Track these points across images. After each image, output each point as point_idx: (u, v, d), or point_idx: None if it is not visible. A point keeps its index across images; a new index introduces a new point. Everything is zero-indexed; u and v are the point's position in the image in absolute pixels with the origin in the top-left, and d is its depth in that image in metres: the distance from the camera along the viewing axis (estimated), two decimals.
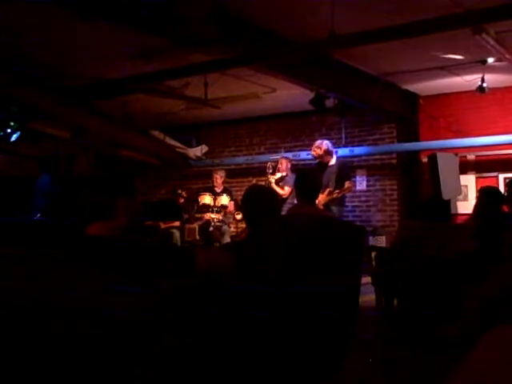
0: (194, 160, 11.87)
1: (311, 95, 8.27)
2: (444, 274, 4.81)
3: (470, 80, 8.60)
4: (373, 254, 6.03)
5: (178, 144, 11.65)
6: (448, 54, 7.79)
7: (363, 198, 10.57)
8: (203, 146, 11.87)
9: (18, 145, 9.12)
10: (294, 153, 10.59)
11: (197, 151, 11.81)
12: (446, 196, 8.74)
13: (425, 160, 9.66)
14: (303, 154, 10.30)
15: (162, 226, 10.13)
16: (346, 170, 8.60)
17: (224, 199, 10.08)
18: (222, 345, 2.45)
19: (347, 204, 9.23)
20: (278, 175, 9.22)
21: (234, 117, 11.46)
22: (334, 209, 8.00)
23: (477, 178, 9.64)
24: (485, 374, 1.37)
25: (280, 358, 2.70)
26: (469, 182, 9.61)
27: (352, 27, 6.15)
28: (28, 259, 1.75)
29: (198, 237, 10.45)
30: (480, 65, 8.08)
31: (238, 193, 10.19)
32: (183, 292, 2.38)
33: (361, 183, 10.58)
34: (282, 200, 8.33)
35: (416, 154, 10.15)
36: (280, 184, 9.13)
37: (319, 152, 8.35)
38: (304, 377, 2.80)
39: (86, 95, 8.95)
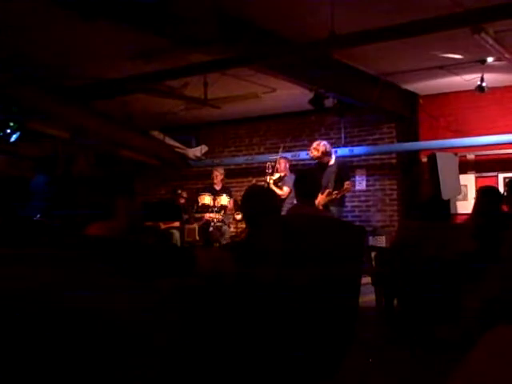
0: (193, 160, 11.87)
1: (311, 95, 8.27)
2: (444, 274, 4.81)
3: (469, 79, 8.61)
4: (373, 254, 6.04)
5: (177, 144, 11.65)
6: (447, 53, 7.79)
7: (363, 198, 10.58)
8: (203, 146, 11.87)
9: (17, 145, 9.12)
10: (294, 153, 10.58)
11: (196, 151, 11.82)
12: (445, 196, 8.75)
13: (424, 160, 9.66)
14: (303, 154, 10.30)
15: (162, 226, 10.13)
16: (346, 169, 8.60)
17: (224, 199, 10.08)
18: (222, 345, 2.45)
19: (347, 204, 9.23)
20: (277, 175, 9.20)
21: (234, 117, 11.46)
22: (333, 209, 8.00)
23: (476, 177, 9.64)
24: (485, 373, 1.37)
25: (280, 358, 2.70)
26: (468, 181, 9.62)
27: (352, 27, 6.16)
28: (27, 259, 1.75)
29: (197, 237, 10.45)
30: (479, 64, 8.08)
31: (238, 193, 10.19)
32: (183, 292, 2.38)
33: (360, 183, 10.58)
34: (280, 200, 8.32)
35: (416, 153, 10.16)
36: (279, 184, 9.11)
37: (317, 154, 8.33)
38: (304, 377, 2.80)
39: (85, 95, 8.95)
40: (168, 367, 1.66)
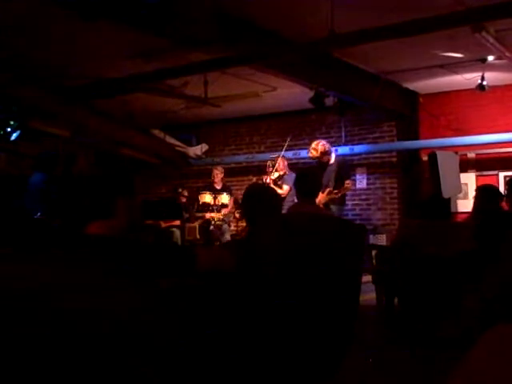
0: (194, 159, 11.88)
1: (311, 94, 8.27)
2: (444, 273, 4.81)
3: (469, 78, 8.61)
4: (373, 253, 6.03)
5: (177, 143, 11.67)
6: (448, 52, 7.79)
7: (363, 197, 10.58)
8: (203, 144, 11.87)
9: (18, 144, 9.14)
10: (294, 151, 10.58)
11: (197, 150, 11.82)
12: (446, 194, 8.74)
13: (425, 158, 9.65)
14: (303, 153, 10.29)
15: (163, 225, 10.14)
16: (346, 168, 8.59)
17: (224, 198, 10.08)
18: (222, 344, 2.45)
19: (347, 202, 9.23)
20: (276, 174, 9.18)
21: (235, 115, 11.46)
22: (334, 208, 7.99)
23: (477, 176, 9.64)
24: (485, 372, 1.37)
25: (280, 358, 2.70)
26: (469, 180, 9.61)
27: (352, 26, 6.15)
28: (27, 259, 1.75)
29: (198, 236, 10.45)
30: (480, 63, 8.08)
31: (239, 191, 10.20)
32: (184, 291, 2.39)
33: (361, 181, 10.58)
34: (281, 199, 8.30)
35: (416, 152, 10.15)
36: (278, 183, 9.10)
37: (316, 154, 8.31)
38: (304, 377, 2.80)
39: (86, 95, 8.95)
40: (168, 367, 1.66)
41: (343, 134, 10.71)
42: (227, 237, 9.96)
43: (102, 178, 2.80)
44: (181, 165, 12.06)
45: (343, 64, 8.24)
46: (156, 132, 11.36)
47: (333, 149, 8.77)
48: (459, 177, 9.31)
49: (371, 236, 9.42)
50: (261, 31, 6.87)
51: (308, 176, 5.34)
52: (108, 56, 7.69)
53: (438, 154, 9.00)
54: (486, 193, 5.51)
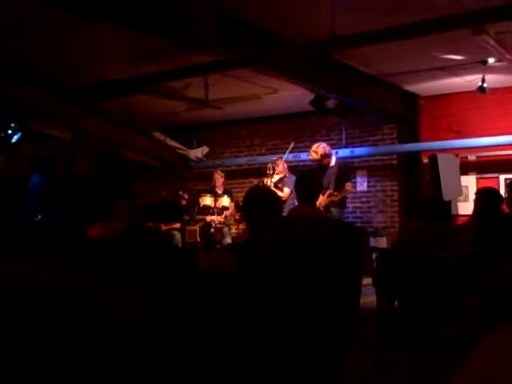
0: (194, 161, 11.87)
1: (312, 96, 8.27)
2: (444, 275, 4.81)
3: (470, 80, 8.61)
4: (374, 256, 6.03)
5: (178, 145, 11.66)
6: (448, 54, 7.79)
7: (364, 199, 10.58)
8: (204, 147, 11.87)
9: (19, 146, 9.13)
10: (295, 154, 10.57)
11: (197, 152, 11.82)
12: (446, 197, 8.74)
13: (425, 161, 9.65)
14: (304, 155, 10.28)
15: (163, 227, 10.13)
16: (346, 170, 8.57)
17: (225, 200, 10.06)
18: (222, 345, 2.45)
19: (348, 205, 9.21)
20: (276, 177, 9.16)
21: (235, 118, 11.46)
22: (334, 210, 7.97)
23: (477, 178, 9.63)
24: (485, 372, 1.37)
25: (280, 358, 2.70)
26: (469, 182, 9.60)
27: (352, 27, 6.16)
28: (27, 259, 1.75)
29: (198, 238, 10.45)
30: (480, 65, 8.08)
31: (239, 194, 10.19)
32: (184, 293, 2.39)
33: (361, 184, 10.58)
34: (281, 202, 8.28)
35: (417, 154, 10.15)
36: (279, 186, 9.07)
37: (316, 156, 8.28)
38: (304, 377, 2.80)
39: (86, 96, 8.95)
40: (168, 367, 1.66)
41: (344, 136, 10.71)
42: (228, 239, 9.95)
43: (103, 181, 2.81)
44: (181, 167, 12.05)
45: (344, 66, 8.24)
46: (157, 134, 11.36)
47: (333, 151, 8.75)
48: (460, 179, 9.31)
49: (372, 239, 9.42)
50: (261, 32, 6.86)
51: (308, 179, 5.33)
52: (108, 57, 7.69)
53: (439, 156, 9.00)
54: (486, 195, 5.50)
